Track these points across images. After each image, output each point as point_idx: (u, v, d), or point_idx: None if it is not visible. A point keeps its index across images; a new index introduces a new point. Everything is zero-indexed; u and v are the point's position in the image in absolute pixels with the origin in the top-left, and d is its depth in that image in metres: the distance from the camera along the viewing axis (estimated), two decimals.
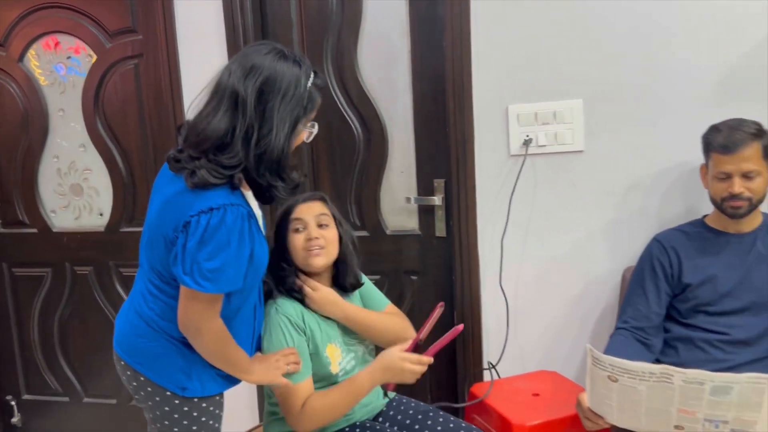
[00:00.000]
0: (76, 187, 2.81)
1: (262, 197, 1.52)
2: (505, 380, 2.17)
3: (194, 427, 1.57)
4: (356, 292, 1.89)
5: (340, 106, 2.44)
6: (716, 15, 2.02)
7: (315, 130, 1.57)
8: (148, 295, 1.54)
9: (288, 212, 1.77)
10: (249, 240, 1.44)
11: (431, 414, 1.82)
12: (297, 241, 1.74)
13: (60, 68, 2.71)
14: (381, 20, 2.38)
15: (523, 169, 2.20)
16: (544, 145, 2.19)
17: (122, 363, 1.59)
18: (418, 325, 1.75)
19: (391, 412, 1.86)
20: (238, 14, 2.39)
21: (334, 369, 1.73)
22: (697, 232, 1.94)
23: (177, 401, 1.55)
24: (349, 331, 1.82)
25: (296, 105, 1.44)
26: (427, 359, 1.65)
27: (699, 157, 1.91)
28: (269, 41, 1.53)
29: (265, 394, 1.86)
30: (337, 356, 1.75)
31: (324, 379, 1.72)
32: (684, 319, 1.89)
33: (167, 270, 1.47)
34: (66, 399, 2.98)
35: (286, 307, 1.71)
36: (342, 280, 1.82)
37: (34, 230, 2.88)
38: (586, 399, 1.63)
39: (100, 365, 2.88)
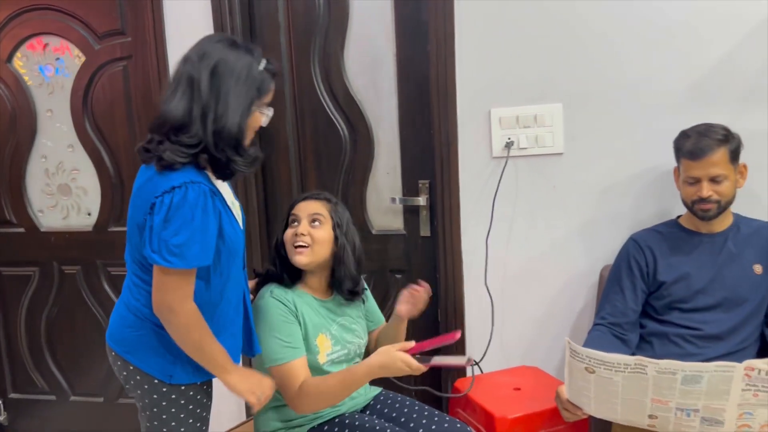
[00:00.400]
0: (64, 187, 2.83)
1: (222, 173, 1.57)
2: (488, 375, 2.23)
3: (182, 415, 1.62)
4: (362, 306, 1.95)
5: (326, 107, 2.49)
6: (687, 26, 2.10)
7: (270, 114, 1.65)
8: (133, 287, 1.60)
9: (290, 208, 1.84)
10: (214, 215, 1.51)
11: (417, 408, 1.88)
12: (288, 234, 1.81)
13: (47, 69, 2.74)
14: (367, 24, 2.43)
15: (505, 171, 2.27)
16: (525, 148, 2.26)
17: (113, 354, 1.65)
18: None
19: (378, 406, 1.92)
20: (227, 17, 2.43)
21: (322, 359, 1.79)
22: (671, 232, 2.00)
23: (165, 389, 1.60)
24: (347, 329, 1.88)
25: (250, 87, 1.54)
26: (424, 369, 1.66)
27: (672, 161, 1.98)
28: (222, 33, 1.60)
29: None
30: (326, 347, 1.80)
31: (310, 368, 1.77)
32: (659, 315, 1.95)
33: (144, 258, 1.53)
34: (53, 397, 3.00)
35: (279, 292, 1.77)
36: (339, 285, 1.85)
37: (22, 230, 2.89)
38: (564, 391, 1.68)
39: (88, 364, 2.91)
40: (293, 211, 1.83)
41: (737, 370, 1.40)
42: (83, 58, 2.67)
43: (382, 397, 1.95)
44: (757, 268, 1.89)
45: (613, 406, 1.56)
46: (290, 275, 1.82)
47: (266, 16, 2.49)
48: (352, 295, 1.88)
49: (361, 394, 1.90)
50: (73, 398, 2.98)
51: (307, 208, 1.82)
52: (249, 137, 1.60)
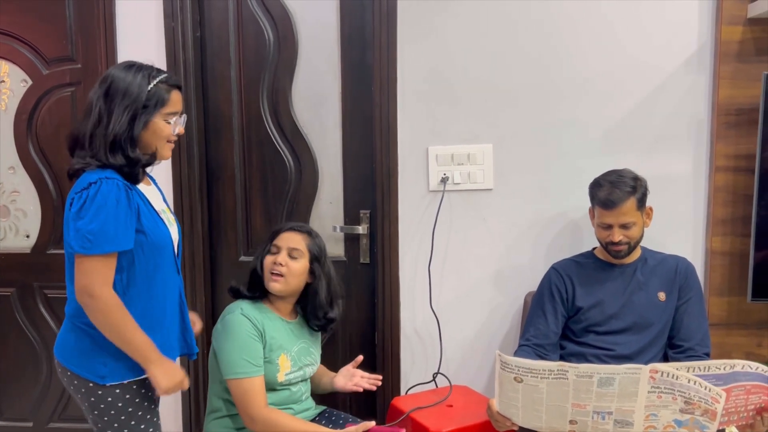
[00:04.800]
0: (2, 209, 2.80)
1: (127, 178, 1.68)
2: (422, 394, 2.36)
3: (122, 417, 1.69)
4: (319, 334, 2.08)
5: (273, 139, 2.61)
6: (606, 76, 2.34)
7: (181, 121, 1.77)
8: (70, 296, 1.70)
9: (273, 236, 1.94)
10: (129, 207, 1.62)
11: (359, 422, 1.99)
12: (267, 262, 1.92)
13: None
14: (315, 64, 2.57)
15: (441, 204, 2.44)
16: (459, 183, 2.44)
17: (56, 362, 1.74)
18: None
19: (323, 421, 2.02)
20: (180, 51, 2.52)
21: (281, 378, 1.89)
22: (588, 262, 2.20)
23: (100, 392, 1.67)
24: (305, 352, 1.99)
25: (133, 101, 1.66)
26: None
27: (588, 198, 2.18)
28: (129, 60, 1.77)
29: (210, 391, 1.97)
30: (286, 367, 1.91)
31: (269, 385, 1.87)
32: (577, 337, 2.14)
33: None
34: None
35: (249, 310, 1.87)
36: (308, 314, 1.98)
37: None
38: (495, 404, 1.79)
39: (18, 387, 2.85)
40: (276, 241, 1.94)
41: (643, 371, 1.55)
42: (30, 82, 2.70)
43: (327, 414, 2.06)
44: (661, 296, 2.10)
45: (539, 414, 1.68)
46: (259, 292, 1.92)
47: (218, 52, 2.60)
48: (322, 323, 2.01)
49: (310, 407, 2.00)
50: (0, 423, 2.90)
51: (288, 240, 1.94)
52: (157, 145, 1.72)
